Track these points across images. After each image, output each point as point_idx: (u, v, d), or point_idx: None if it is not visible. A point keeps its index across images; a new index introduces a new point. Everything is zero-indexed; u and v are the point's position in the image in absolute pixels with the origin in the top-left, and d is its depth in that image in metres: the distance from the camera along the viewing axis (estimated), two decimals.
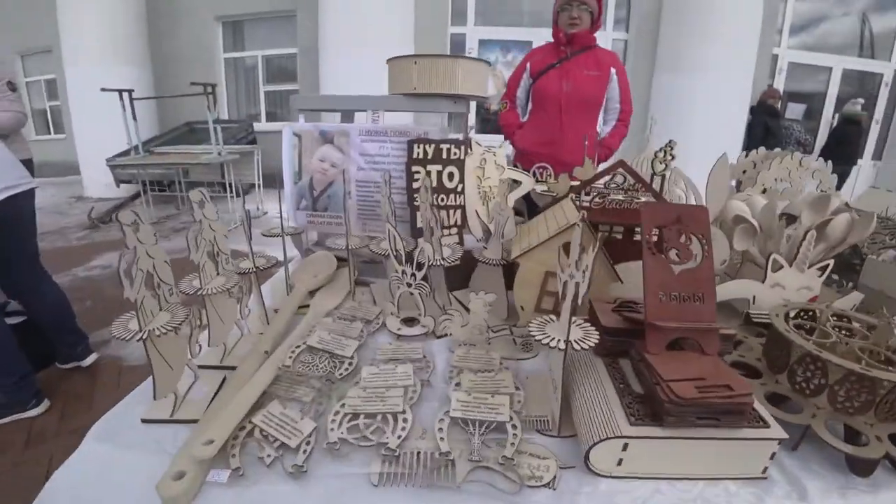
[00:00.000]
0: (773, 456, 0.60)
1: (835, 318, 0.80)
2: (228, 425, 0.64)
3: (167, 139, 6.28)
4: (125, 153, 5.26)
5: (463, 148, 1.14)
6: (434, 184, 1.15)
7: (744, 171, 1.58)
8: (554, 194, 1.14)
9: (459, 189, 1.15)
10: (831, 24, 6.65)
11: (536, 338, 0.66)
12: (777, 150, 1.57)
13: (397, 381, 0.78)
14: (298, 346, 0.89)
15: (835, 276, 1.31)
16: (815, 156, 6.72)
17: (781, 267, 0.95)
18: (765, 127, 6.06)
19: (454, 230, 1.17)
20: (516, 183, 1.24)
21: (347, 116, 1.52)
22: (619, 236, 1.12)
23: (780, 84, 6.62)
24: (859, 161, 6.50)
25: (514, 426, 0.67)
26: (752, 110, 6.09)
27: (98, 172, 5.79)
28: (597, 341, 0.66)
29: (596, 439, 0.58)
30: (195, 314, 0.79)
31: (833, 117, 6.72)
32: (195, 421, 0.69)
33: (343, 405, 0.72)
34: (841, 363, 0.62)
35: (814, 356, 0.65)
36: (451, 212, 1.16)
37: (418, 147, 1.13)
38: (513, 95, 2.35)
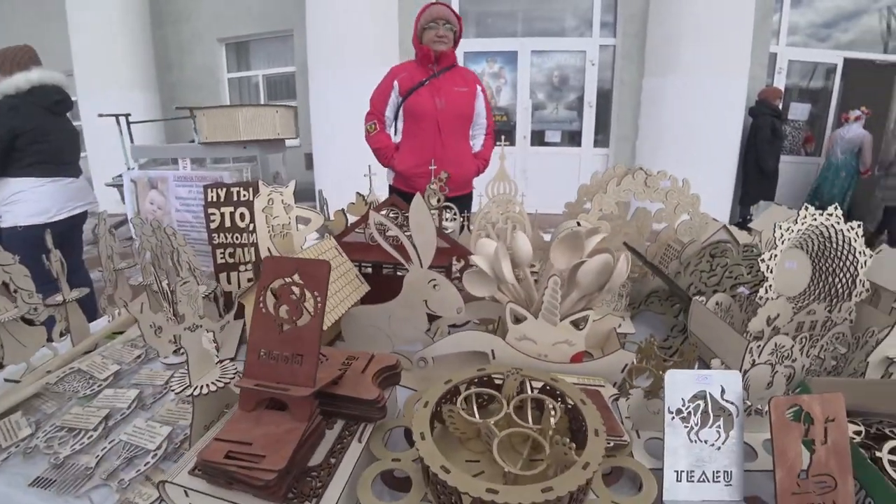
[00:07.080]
0: None
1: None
2: None
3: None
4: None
5: (251, 190, 1.22)
6: (228, 224, 1.24)
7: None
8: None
9: (251, 228, 1.23)
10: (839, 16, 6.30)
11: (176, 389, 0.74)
12: (637, 168, 1.41)
13: (114, 403, 0.90)
14: (72, 368, 1.01)
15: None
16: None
17: (525, 318, 0.89)
18: (771, 128, 5.72)
19: (249, 265, 1.25)
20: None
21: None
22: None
23: (780, 83, 6.32)
24: None
25: (155, 454, 0.76)
26: (753, 111, 5.82)
27: (108, 190, 6.22)
28: (220, 386, 0.72)
29: (162, 479, 0.64)
30: None
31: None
32: None
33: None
34: (467, 489, 0.55)
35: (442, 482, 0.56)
36: (245, 249, 1.24)
37: (212, 191, 1.22)
38: (380, 114, 2.29)
